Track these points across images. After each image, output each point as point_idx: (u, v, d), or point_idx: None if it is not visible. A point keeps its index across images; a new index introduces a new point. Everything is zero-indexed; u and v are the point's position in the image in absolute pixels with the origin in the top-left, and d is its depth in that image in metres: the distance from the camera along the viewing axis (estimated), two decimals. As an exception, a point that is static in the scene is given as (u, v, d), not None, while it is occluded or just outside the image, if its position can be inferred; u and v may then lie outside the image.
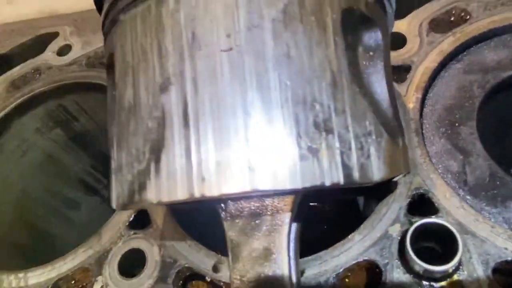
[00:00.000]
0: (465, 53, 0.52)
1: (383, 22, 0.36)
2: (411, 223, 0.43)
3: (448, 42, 0.52)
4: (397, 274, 0.41)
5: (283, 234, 0.34)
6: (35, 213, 0.75)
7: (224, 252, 0.48)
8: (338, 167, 0.28)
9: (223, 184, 0.28)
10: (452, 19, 0.57)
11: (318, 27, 0.30)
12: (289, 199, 0.34)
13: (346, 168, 0.28)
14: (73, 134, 0.75)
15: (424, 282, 0.40)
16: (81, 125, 0.73)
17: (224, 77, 0.29)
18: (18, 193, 0.72)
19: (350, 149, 0.29)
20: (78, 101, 0.68)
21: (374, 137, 0.30)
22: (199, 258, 0.46)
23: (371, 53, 0.34)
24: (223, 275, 0.45)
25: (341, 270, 0.42)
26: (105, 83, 0.63)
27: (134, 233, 0.49)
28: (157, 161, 0.30)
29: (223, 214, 0.35)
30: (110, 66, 0.37)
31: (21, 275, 0.50)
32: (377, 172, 0.30)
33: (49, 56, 0.68)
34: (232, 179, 0.28)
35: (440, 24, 0.58)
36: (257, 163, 0.28)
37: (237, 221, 0.35)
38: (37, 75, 0.68)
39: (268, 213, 0.34)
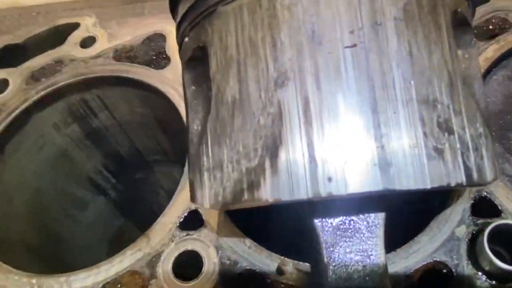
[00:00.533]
0: (508, 60, 0.54)
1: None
2: (477, 225, 0.44)
3: (492, 50, 0.54)
4: (468, 274, 0.42)
5: (378, 234, 0.34)
6: (47, 212, 0.71)
7: (287, 254, 0.47)
8: (461, 167, 0.28)
9: (352, 183, 0.27)
10: (491, 27, 0.59)
11: (434, 27, 0.30)
12: (382, 199, 0.34)
13: (467, 169, 0.29)
14: (89, 130, 0.71)
15: (495, 282, 0.41)
16: (99, 121, 0.70)
17: (349, 74, 0.28)
18: (32, 191, 0.67)
19: (468, 149, 0.29)
20: (101, 95, 0.65)
21: (483, 138, 0.31)
22: (260, 260, 0.45)
23: (466, 56, 0.34)
24: (289, 277, 0.44)
25: (411, 271, 0.42)
26: (135, 77, 0.61)
27: (187, 234, 0.48)
28: (274, 158, 0.29)
29: (315, 215, 0.34)
30: (194, 59, 0.35)
31: (62, 279, 0.47)
32: (489, 173, 0.30)
33: (71, 47, 0.64)
34: (362, 178, 0.27)
35: (480, 32, 0.60)
36: (387, 162, 0.27)
37: (330, 221, 0.34)
38: (59, 67, 0.64)
39: (363, 214, 0.34)
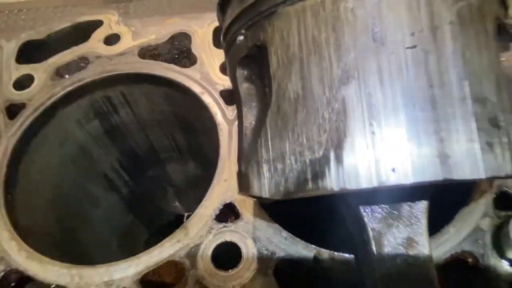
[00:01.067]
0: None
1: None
2: (499, 217, 0.47)
3: None
4: (493, 263, 0.45)
5: (423, 222, 0.36)
6: (66, 207, 0.71)
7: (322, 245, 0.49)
8: (509, 160, 0.31)
9: (416, 173, 0.30)
10: None
11: (482, 32, 0.33)
12: (426, 189, 0.37)
13: (513, 161, 0.32)
14: (109, 127, 0.72)
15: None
16: (119, 118, 0.71)
17: (410, 73, 0.31)
18: (53, 186, 0.68)
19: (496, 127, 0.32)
20: (125, 92, 0.66)
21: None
22: (297, 250, 0.47)
23: (504, 58, 0.38)
24: (325, 266, 0.46)
25: (442, 260, 0.45)
26: (161, 74, 0.62)
27: (224, 226, 0.49)
28: (339, 150, 0.31)
29: (363, 204, 0.36)
30: (249, 58, 0.37)
31: (102, 269, 0.48)
32: (526, 167, 0.33)
33: (96, 44, 0.65)
34: (424, 168, 0.30)
35: None
36: (446, 154, 0.30)
37: (377, 212, 0.36)
38: (84, 64, 0.65)
39: (407, 203, 0.37)
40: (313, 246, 0.47)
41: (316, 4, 0.34)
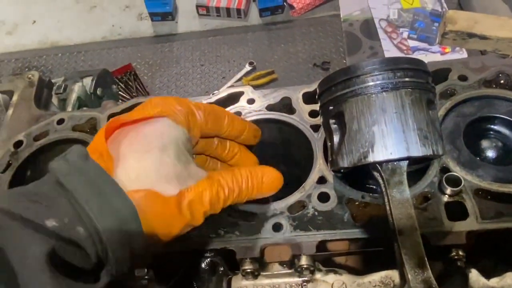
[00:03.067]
0: (456, 108, 1.19)
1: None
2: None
3: (448, 103, 1.19)
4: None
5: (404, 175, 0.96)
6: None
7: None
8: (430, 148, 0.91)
9: (397, 153, 0.90)
10: (449, 92, 1.24)
11: (422, 105, 0.94)
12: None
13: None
14: None
15: None
16: None
17: (395, 122, 0.92)
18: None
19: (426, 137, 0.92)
20: None
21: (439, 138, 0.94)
22: (350, 192, 1.06)
23: (433, 112, 0.98)
24: (367, 200, 1.05)
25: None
26: (280, 118, 1.24)
27: (321, 184, 1.10)
28: (372, 148, 0.91)
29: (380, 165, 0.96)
30: (333, 117, 0.99)
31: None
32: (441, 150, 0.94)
33: (242, 104, 1.28)
34: (399, 151, 0.90)
35: (444, 95, 1.25)
36: (408, 144, 0.91)
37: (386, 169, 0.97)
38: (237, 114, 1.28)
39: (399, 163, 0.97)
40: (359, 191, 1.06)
41: (363, 100, 0.94)
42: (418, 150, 0.82)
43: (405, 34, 3.74)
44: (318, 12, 3.16)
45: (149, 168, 0.62)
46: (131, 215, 0.57)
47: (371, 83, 0.91)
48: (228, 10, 2.89)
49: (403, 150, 0.83)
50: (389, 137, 0.83)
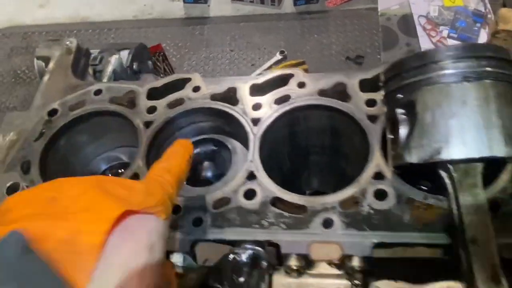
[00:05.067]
0: None
1: None
2: None
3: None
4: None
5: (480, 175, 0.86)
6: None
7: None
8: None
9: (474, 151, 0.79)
10: None
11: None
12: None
13: None
14: (292, 131, 1.25)
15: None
16: (299, 127, 1.24)
17: (477, 115, 0.81)
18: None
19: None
20: (307, 113, 1.19)
21: None
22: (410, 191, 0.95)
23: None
24: (430, 201, 0.95)
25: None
26: (332, 105, 1.14)
27: (377, 181, 1.01)
28: (447, 143, 0.81)
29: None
30: (401, 106, 0.88)
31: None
32: None
33: (291, 87, 1.19)
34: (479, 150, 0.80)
35: None
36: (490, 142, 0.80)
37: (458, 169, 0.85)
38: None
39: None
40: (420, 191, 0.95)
41: (440, 89, 0.83)
42: (501, 150, 0.74)
43: (445, 33, 3.58)
44: (355, 4, 3.02)
45: (136, 268, 0.51)
46: None
47: (451, 71, 0.81)
48: None
49: (484, 148, 0.72)
50: (469, 133, 0.74)
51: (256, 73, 2.79)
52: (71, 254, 0.46)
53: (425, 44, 3.58)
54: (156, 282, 0.54)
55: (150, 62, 1.84)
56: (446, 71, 0.81)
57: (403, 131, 0.83)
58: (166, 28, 3.29)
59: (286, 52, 2.68)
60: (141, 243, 0.54)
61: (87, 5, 3.51)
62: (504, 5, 3.65)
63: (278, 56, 2.62)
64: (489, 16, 3.51)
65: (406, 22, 3.58)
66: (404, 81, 0.83)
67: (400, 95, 0.83)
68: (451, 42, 3.58)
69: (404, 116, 0.84)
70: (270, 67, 2.73)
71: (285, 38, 2.86)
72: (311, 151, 1.32)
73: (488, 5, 3.63)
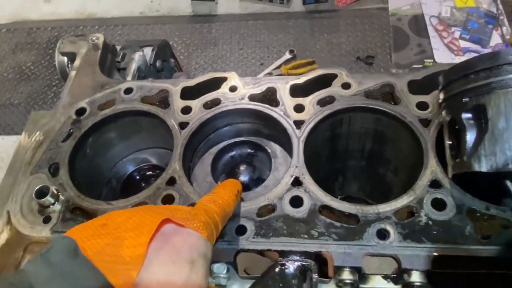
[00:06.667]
0: None
1: None
2: None
3: None
4: None
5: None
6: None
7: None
8: None
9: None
10: None
11: None
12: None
13: None
14: (333, 135, 1.19)
15: None
16: (341, 130, 1.18)
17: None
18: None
19: None
20: (351, 116, 1.13)
21: None
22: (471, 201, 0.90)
23: None
24: (492, 212, 0.89)
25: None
26: (381, 108, 1.08)
27: (435, 190, 0.94)
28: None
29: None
30: (469, 111, 0.82)
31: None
32: None
33: (336, 89, 1.13)
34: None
35: None
36: None
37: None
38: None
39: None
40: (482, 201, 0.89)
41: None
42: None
43: (457, 34, 3.51)
44: (365, 3, 2.98)
45: (176, 282, 0.53)
46: None
47: (528, 74, 0.75)
48: None
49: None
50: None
51: (266, 72, 2.73)
52: (114, 264, 0.48)
53: (436, 45, 3.52)
54: None
55: (172, 60, 1.78)
56: (522, 74, 0.76)
57: (470, 137, 0.77)
58: (174, 25, 3.24)
59: (295, 51, 2.62)
60: (181, 255, 0.55)
61: (94, 1, 3.44)
62: (518, 6, 3.61)
63: (287, 55, 2.57)
64: (501, 17, 3.45)
65: (417, 23, 3.52)
66: (472, 84, 0.76)
67: (466, 99, 0.77)
68: (463, 43, 3.53)
69: (471, 121, 0.77)
70: (279, 66, 2.67)
71: (294, 37, 2.81)
72: (350, 156, 1.26)
73: (501, 6, 3.57)
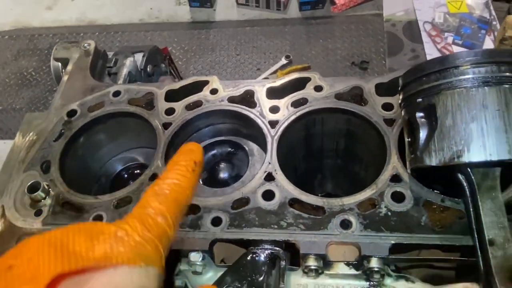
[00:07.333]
0: None
1: None
2: None
3: None
4: None
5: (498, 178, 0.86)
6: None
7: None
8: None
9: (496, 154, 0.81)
10: None
11: None
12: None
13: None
14: (308, 134, 1.27)
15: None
16: (314, 130, 1.26)
17: (496, 119, 0.82)
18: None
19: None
20: (324, 117, 1.21)
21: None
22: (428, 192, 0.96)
23: None
24: (447, 203, 0.96)
25: (503, 203, 0.95)
26: (350, 108, 1.16)
27: (395, 184, 1.02)
28: (468, 147, 0.83)
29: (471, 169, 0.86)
30: (422, 110, 0.90)
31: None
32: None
33: (309, 90, 1.21)
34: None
35: None
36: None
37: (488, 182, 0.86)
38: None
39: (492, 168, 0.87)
40: (438, 193, 0.96)
41: (460, 93, 0.85)
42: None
43: (450, 39, 3.59)
44: (360, 10, 3.05)
45: None
46: None
47: (472, 76, 0.83)
48: (267, 1, 2.82)
49: (504, 152, 0.75)
50: (489, 137, 0.75)
51: (262, 77, 2.80)
52: None
53: (430, 50, 3.59)
54: None
55: (163, 65, 1.87)
56: (467, 76, 0.83)
57: (422, 134, 0.85)
58: (172, 32, 3.32)
59: (291, 57, 2.70)
60: None
61: (94, 8, 3.53)
62: (509, 12, 3.68)
63: (283, 61, 2.64)
64: (494, 23, 3.52)
65: (411, 28, 3.60)
66: (425, 85, 0.85)
67: (420, 99, 0.85)
68: (456, 48, 3.60)
69: (423, 120, 0.86)
70: (275, 71, 2.74)
71: (291, 42, 2.88)
72: (325, 155, 1.34)
73: (493, 12, 3.65)
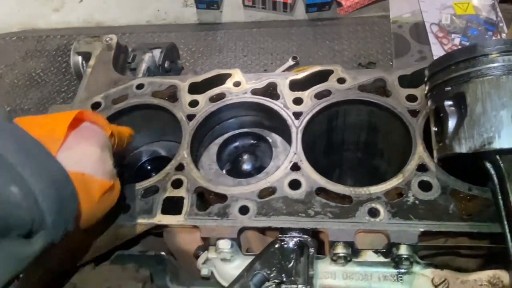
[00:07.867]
0: None
1: None
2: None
3: None
4: None
5: None
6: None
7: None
8: None
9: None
10: None
11: None
12: None
13: None
14: (330, 127, 1.28)
15: None
16: (336, 122, 1.27)
17: None
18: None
19: None
20: (346, 108, 1.22)
21: None
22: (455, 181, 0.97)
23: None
24: (474, 192, 0.96)
25: None
26: (374, 100, 1.17)
27: (422, 173, 1.03)
28: (499, 134, 0.83)
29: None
30: (450, 98, 0.90)
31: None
32: None
33: (332, 83, 1.22)
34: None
35: None
36: None
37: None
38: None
39: None
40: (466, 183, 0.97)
41: (490, 81, 0.86)
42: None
43: (457, 41, 3.60)
44: (366, 11, 3.06)
45: (91, 158, 0.71)
46: (64, 179, 0.60)
47: (501, 64, 0.84)
48: (274, 3, 2.83)
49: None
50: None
51: (272, 77, 2.83)
52: (44, 138, 0.62)
53: (437, 51, 3.61)
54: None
55: (179, 61, 1.88)
56: (496, 64, 0.83)
57: (451, 122, 0.86)
58: (180, 33, 3.33)
59: (298, 58, 2.71)
60: (93, 141, 0.74)
61: (102, 10, 3.55)
62: (517, 14, 3.71)
63: (290, 62, 2.66)
64: (500, 24, 3.54)
65: (418, 30, 3.61)
66: (453, 74, 0.86)
67: (448, 88, 0.86)
68: (463, 50, 3.60)
69: (452, 108, 0.87)
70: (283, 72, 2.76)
71: (297, 44, 2.90)
72: (346, 148, 1.35)
73: (500, 14, 3.67)
